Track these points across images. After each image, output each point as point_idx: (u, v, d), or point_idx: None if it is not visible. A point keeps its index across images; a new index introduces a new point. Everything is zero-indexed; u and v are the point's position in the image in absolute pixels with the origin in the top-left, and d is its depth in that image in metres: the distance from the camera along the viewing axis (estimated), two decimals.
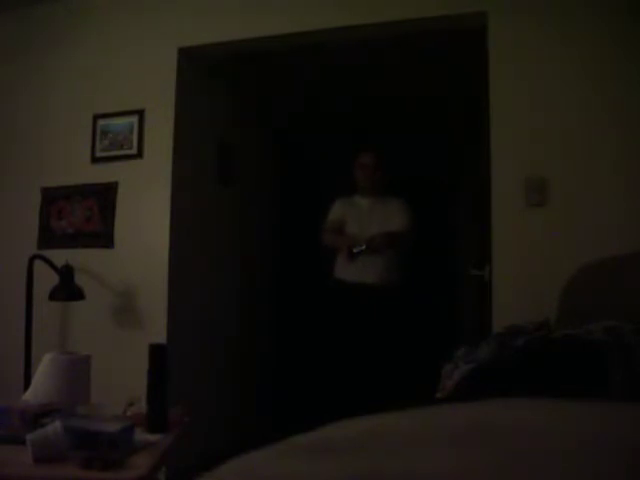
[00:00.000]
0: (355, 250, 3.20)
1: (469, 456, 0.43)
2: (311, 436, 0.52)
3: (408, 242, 3.40)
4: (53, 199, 2.98)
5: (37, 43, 3.12)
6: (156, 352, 1.85)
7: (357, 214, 3.44)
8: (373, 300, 3.34)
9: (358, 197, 3.53)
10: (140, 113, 2.88)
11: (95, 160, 2.94)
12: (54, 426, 1.53)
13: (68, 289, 2.63)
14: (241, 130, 3.70)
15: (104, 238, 2.88)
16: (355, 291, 3.35)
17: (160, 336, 2.63)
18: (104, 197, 2.90)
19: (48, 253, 2.76)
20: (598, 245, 2.17)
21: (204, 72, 3.14)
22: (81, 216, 2.93)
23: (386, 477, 0.40)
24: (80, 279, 2.70)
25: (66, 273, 2.62)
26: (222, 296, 3.40)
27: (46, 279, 2.65)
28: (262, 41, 2.84)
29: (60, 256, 2.72)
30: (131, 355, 2.59)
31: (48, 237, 2.96)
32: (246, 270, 3.76)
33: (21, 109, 3.11)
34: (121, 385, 2.24)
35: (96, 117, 2.95)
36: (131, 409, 1.91)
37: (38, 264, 2.69)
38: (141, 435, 1.71)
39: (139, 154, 2.87)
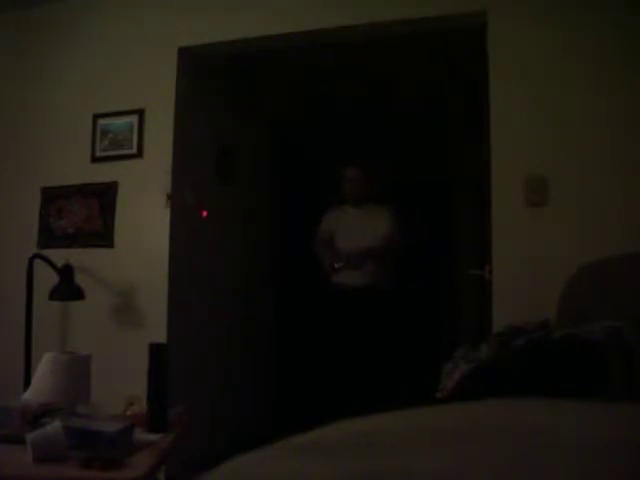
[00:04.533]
0: (336, 266, 3.57)
1: (468, 456, 0.43)
2: (309, 436, 0.52)
3: (391, 251, 3.59)
4: (53, 199, 2.98)
5: (37, 43, 3.12)
6: (156, 352, 1.85)
7: (344, 227, 3.65)
8: (368, 302, 3.48)
9: (347, 207, 3.72)
10: (140, 113, 2.88)
11: (95, 160, 2.94)
12: (54, 426, 1.53)
13: (68, 289, 2.63)
14: (241, 130, 3.70)
15: (104, 238, 2.88)
16: (351, 294, 3.51)
17: (160, 336, 2.63)
18: (104, 197, 2.90)
19: (48, 253, 2.76)
20: (598, 245, 2.17)
21: (204, 72, 3.14)
22: (81, 216, 2.93)
23: (384, 477, 0.40)
24: (80, 279, 2.70)
25: (66, 273, 2.62)
26: (222, 296, 3.40)
27: (46, 279, 2.65)
28: (262, 41, 2.84)
29: (60, 256, 2.72)
30: (131, 355, 2.59)
31: (48, 237, 2.96)
32: (246, 270, 3.76)
33: (21, 109, 3.11)
34: (121, 385, 2.23)
35: (96, 117, 2.95)
36: (131, 409, 1.91)
37: (38, 264, 2.69)
38: (141, 435, 1.71)
39: (139, 154, 2.87)
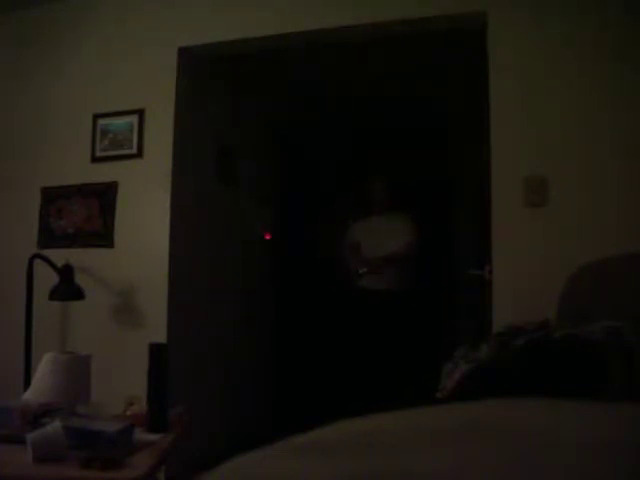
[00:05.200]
0: (360, 272, 3.94)
1: (468, 456, 0.43)
2: (309, 436, 0.52)
3: (408, 257, 3.91)
4: (53, 199, 2.98)
5: (37, 43, 3.12)
6: (156, 352, 1.85)
7: (370, 236, 3.97)
8: (388, 304, 3.82)
9: (373, 215, 4.05)
10: (140, 113, 2.88)
11: (95, 160, 2.94)
12: (54, 426, 1.53)
13: (68, 289, 2.62)
14: (241, 130, 3.70)
15: (104, 238, 2.88)
16: (372, 297, 3.85)
17: (160, 336, 2.63)
18: (104, 197, 2.90)
19: (48, 253, 2.76)
20: (598, 245, 2.17)
21: (204, 72, 3.14)
22: (81, 216, 2.92)
23: (384, 477, 0.40)
24: (80, 279, 2.70)
25: (66, 273, 2.61)
26: (222, 296, 3.40)
27: (46, 279, 2.65)
28: (262, 41, 2.84)
29: (60, 256, 2.72)
30: (131, 355, 2.59)
31: (48, 237, 2.96)
32: (246, 270, 3.76)
33: (21, 109, 3.11)
34: (121, 385, 2.23)
35: (96, 117, 2.94)
36: (131, 409, 1.91)
37: (38, 264, 2.69)
38: (141, 435, 1.71)
39: (139, 154, 2.87)
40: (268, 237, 3.37)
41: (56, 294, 2.62)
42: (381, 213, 4.01)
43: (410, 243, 3.89)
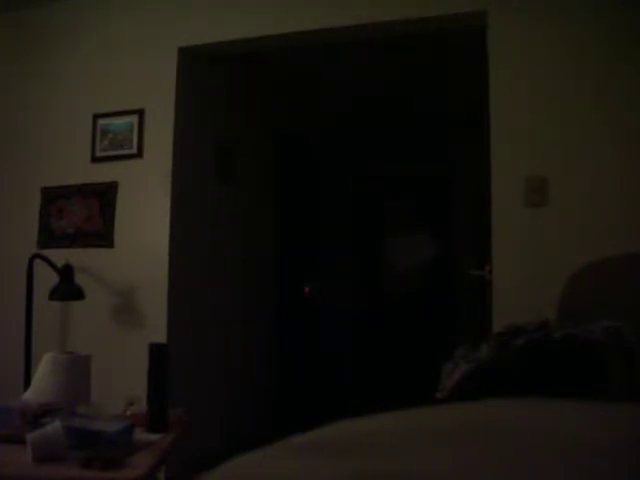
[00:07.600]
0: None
1: (468, 456, 0.43)
2: (309, 436, 0.52)
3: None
4: (53, 199, 2.98)
5: (38, 43, 3.12)
6: (156, 351, 1.85)
7: (398, 252, 4.49)
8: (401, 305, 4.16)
9: (396, 233, 4.61)
10: (140, 113, 2.88)
11: (95, 160, 2.94)
12: (54, 426, 1.53)
13: (68, 289, 2.62)
14: (241, 130, 3.70)
15: (104, 238, 2.88)
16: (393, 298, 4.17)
17: (160, 336, 2.63)
18: (104, 197, 2.90)
19: (48, 253, 2.76)
20: (598, 245, 2.17)
21: (204, 72, 3.14)
22: (81, 216, 2.92)
23: (384, 477, 0.40)
24: (80, 279, 2.70)
25: (66, 273, 2.61)
26: (222, 296, 3.40)
27: (46, 279, 2.65)
28: (262, 41, 2.84)
29: (60, 256, 2.72)
30: (131, 355, 2.59)
31: (48, 237, 2.96)
32: (246, 269, 3.76)
33: (21, 109, 3.11)
34: (121, 385, 2.23)
35: (96, 117, 2.95)
36: (131, 409, 1.91)
37: (38, 264, 2.69)
38: (141, 435, 1.71)
39: (139, 154, 2.87)
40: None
41: (56, 294, 2.62)
42: (403, 229, 4.38)
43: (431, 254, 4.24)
